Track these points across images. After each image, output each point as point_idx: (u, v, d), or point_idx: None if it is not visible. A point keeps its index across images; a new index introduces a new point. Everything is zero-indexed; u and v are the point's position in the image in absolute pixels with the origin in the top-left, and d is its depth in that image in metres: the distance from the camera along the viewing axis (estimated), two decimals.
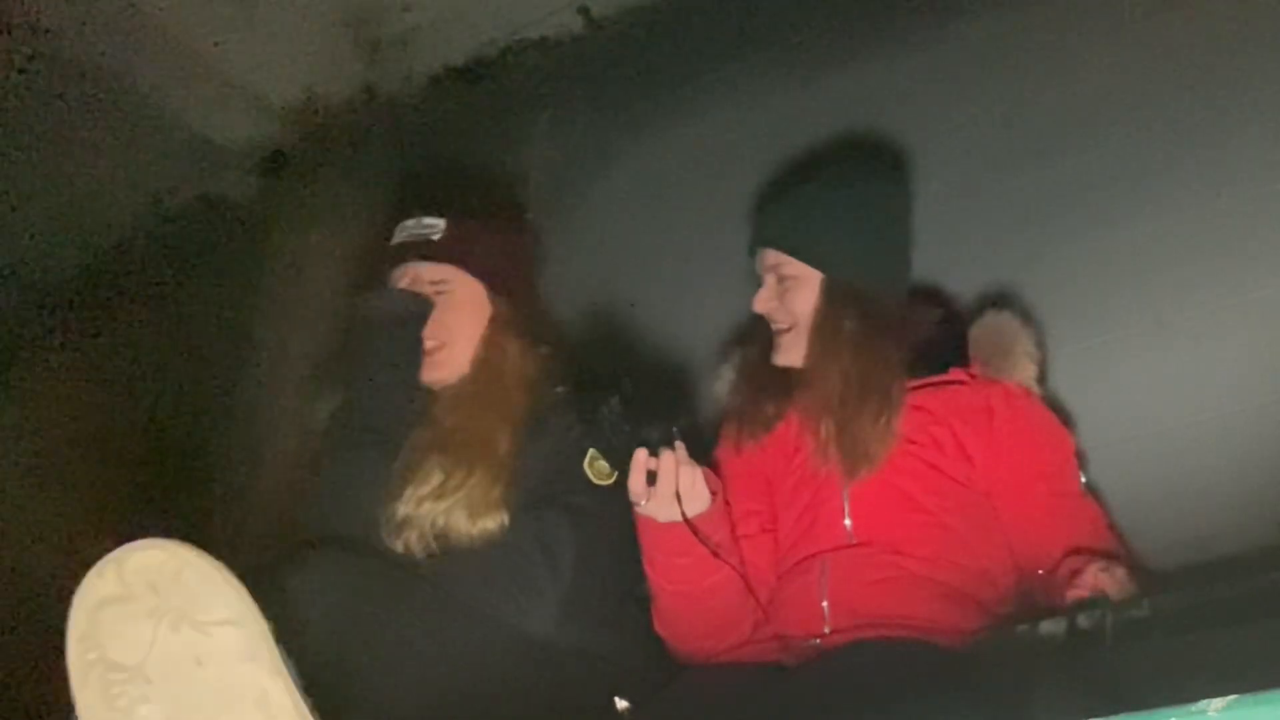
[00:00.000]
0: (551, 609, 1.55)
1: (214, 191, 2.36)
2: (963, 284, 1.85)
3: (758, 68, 2.07)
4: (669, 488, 1.49)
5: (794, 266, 1.70)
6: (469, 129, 2.25)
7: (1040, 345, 1.72)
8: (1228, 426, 1.66)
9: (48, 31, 2.04)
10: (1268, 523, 1.55)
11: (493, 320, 1.74)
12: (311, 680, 1.28)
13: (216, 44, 2.17)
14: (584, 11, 2.18)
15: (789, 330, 1.70)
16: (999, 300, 1.78)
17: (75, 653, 1.20)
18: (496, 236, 1.81)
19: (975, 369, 1.69)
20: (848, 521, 1.62)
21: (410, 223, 1.75)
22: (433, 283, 1.71)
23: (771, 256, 1.72)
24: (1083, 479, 1.62)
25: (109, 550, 1.21)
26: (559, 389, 1.73)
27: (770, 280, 1.72)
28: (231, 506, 1.89)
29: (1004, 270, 1.83)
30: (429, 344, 1.69)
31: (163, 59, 2.15)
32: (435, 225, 1.73)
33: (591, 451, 1.65)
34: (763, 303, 1.72)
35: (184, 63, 2.18)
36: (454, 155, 2.23)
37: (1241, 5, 1.75)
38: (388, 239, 1.78)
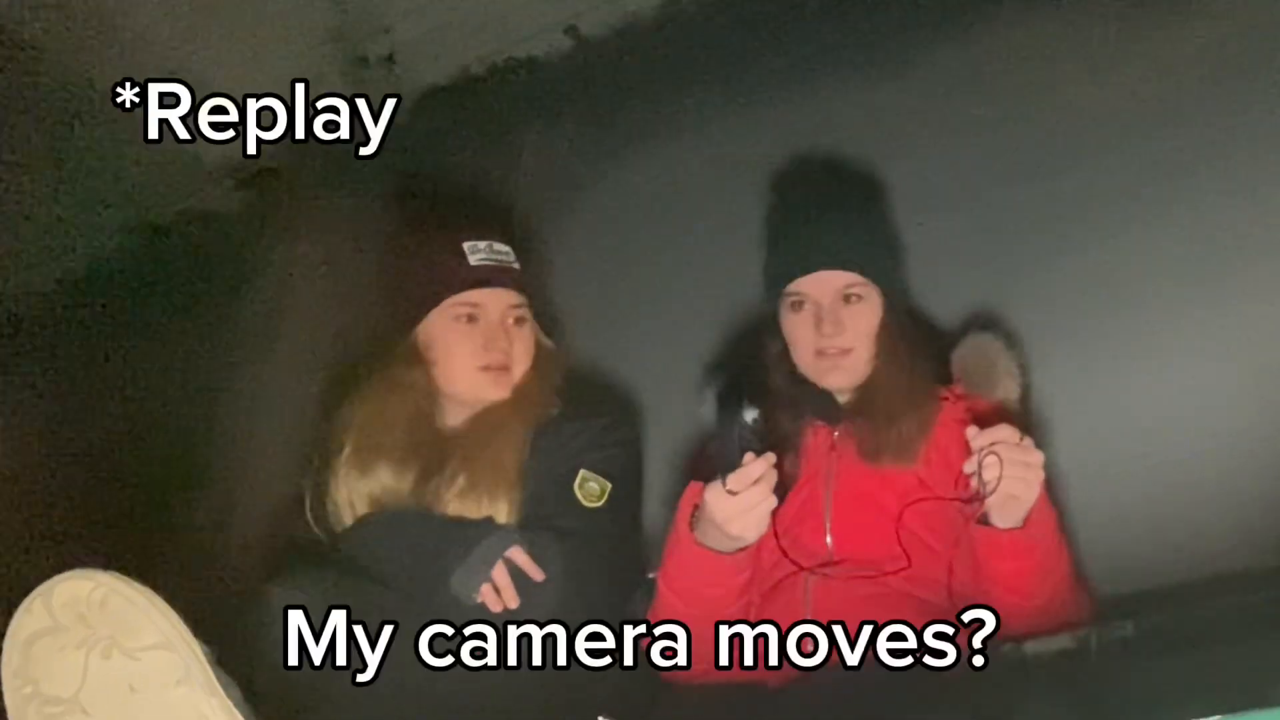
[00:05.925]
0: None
1: (200, 206, 2.35)
2: (946, 306, 1.86)
3: (744, 89, 2.07)
4: (766, 507, 1.43)
5: (863, 286, 1.66)
6: (457, 146, 2.25)
7: (1023, 366, 1.73)
8: (1214, 446, 1.67)
9: (33, 47, 2.04)
10: (1252, 542, 1.57)
11: (539, 349, 1.83)
12: (291, 697, 1.28)
13: (201, 59, 2.16)
14: (573, 31, 2.19)
15: (848, 352, 1.66)
16: (983, 322, 1.79)
17: (10, 689, 1.21)
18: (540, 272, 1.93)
19: (957, 389, 1.70)
20: (828, 539, 1.63)
21: (482, 245, 1.79)
22: (514, 306, 1.79)
23: (837, 279, 1.66)
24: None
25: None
26: (553, 411, 1.77)
27: (831, 304, 1.65)
28: (215, 524, 1.88)
29: (988, 291, 1.84)
30: (500, 359, 1.75)
31: (148, 72, 2.14)
32: (510, 252, 1.82)
33: (583, 473, 1.68)
34: (832, 328, 1.64)
35: (170, 77, 2.17)
36: (442, 172, 2.23)
37: (1218, 30, 1.77)
38: (408, 253, 1.83)
